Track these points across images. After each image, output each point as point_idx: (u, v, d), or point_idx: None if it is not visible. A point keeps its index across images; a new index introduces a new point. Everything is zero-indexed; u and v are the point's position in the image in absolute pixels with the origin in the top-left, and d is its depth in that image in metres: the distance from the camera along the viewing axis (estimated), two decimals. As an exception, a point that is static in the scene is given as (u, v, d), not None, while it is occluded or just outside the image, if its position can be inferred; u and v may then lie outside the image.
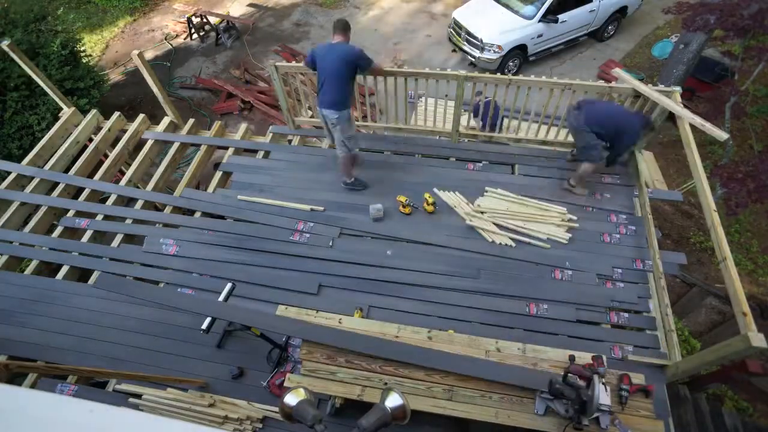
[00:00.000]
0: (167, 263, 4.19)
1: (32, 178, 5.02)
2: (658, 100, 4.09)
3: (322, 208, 4.45)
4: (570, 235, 4.10)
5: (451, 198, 4.47)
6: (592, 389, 2.39)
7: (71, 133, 5.50)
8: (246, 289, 3.89)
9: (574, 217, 4.22)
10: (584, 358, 2.77)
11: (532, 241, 4.08)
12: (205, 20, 10.16)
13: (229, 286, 3.26)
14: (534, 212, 4.28)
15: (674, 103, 4.03)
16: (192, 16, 10.06)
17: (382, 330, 3.02)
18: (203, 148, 5.25)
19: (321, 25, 10.52)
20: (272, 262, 4.13)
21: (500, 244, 4.11)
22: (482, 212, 4.30)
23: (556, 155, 4.86)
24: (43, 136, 5.51)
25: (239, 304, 3.82)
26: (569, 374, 2.48)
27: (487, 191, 4.48)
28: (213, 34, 10.26)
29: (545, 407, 2.61)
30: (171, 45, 10.24)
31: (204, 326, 3.01)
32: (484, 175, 4.73)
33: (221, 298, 3.18)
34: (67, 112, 5.68)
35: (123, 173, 5.25)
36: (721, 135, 3.79)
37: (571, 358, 2.62)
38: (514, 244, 4.09)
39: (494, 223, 4.22)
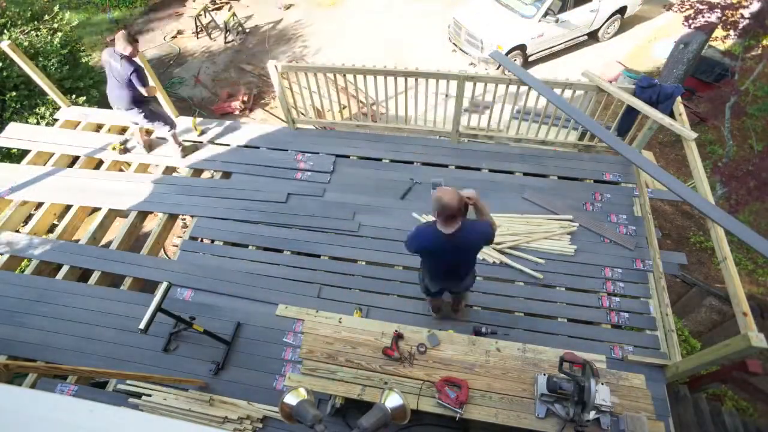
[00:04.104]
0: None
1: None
2: (621, 97, 4.13)
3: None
4: (576, 246, 4.04)
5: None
6: (587, 376, 2.42)
7: (71, 133, 5.48)
8: (245, 289, 3.92)
9: (575, 223, 4.20)
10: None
11: (525, 269, 3.92)
12: (211, 19, 10.12)
13: (165, 285, 3.00)
14: (534, 229, 4.16)
15: (642, 103, 4.06)
16: (200, 14, 10.01)
17: (382, 330, 3.02)
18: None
19: (321, 25, 10.53)
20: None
21: (492, 263, 4.02)
22: None
23: (556, 155, 4.86)
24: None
25: (239, 305, 3.84)
26: (564, 361, 2.55)
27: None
28: (222, 32, 10.18)
29: (546, 410, 2.61)
30: (207, 47, 10.11)
31: (141, 326, 2.76)
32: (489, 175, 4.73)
33: (157, 299, 2.93)
34: (67, 111, 5.65)
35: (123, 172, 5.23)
36: (690, 134, 3.82)
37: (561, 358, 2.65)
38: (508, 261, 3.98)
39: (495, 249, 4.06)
